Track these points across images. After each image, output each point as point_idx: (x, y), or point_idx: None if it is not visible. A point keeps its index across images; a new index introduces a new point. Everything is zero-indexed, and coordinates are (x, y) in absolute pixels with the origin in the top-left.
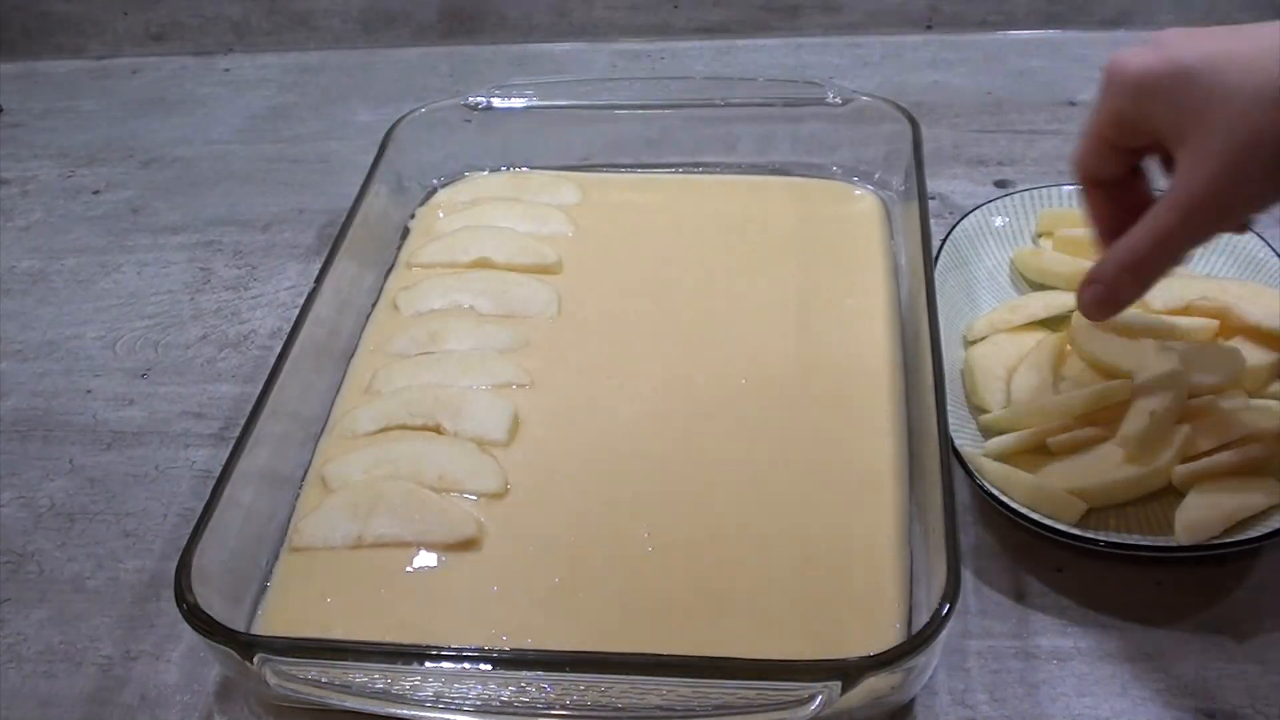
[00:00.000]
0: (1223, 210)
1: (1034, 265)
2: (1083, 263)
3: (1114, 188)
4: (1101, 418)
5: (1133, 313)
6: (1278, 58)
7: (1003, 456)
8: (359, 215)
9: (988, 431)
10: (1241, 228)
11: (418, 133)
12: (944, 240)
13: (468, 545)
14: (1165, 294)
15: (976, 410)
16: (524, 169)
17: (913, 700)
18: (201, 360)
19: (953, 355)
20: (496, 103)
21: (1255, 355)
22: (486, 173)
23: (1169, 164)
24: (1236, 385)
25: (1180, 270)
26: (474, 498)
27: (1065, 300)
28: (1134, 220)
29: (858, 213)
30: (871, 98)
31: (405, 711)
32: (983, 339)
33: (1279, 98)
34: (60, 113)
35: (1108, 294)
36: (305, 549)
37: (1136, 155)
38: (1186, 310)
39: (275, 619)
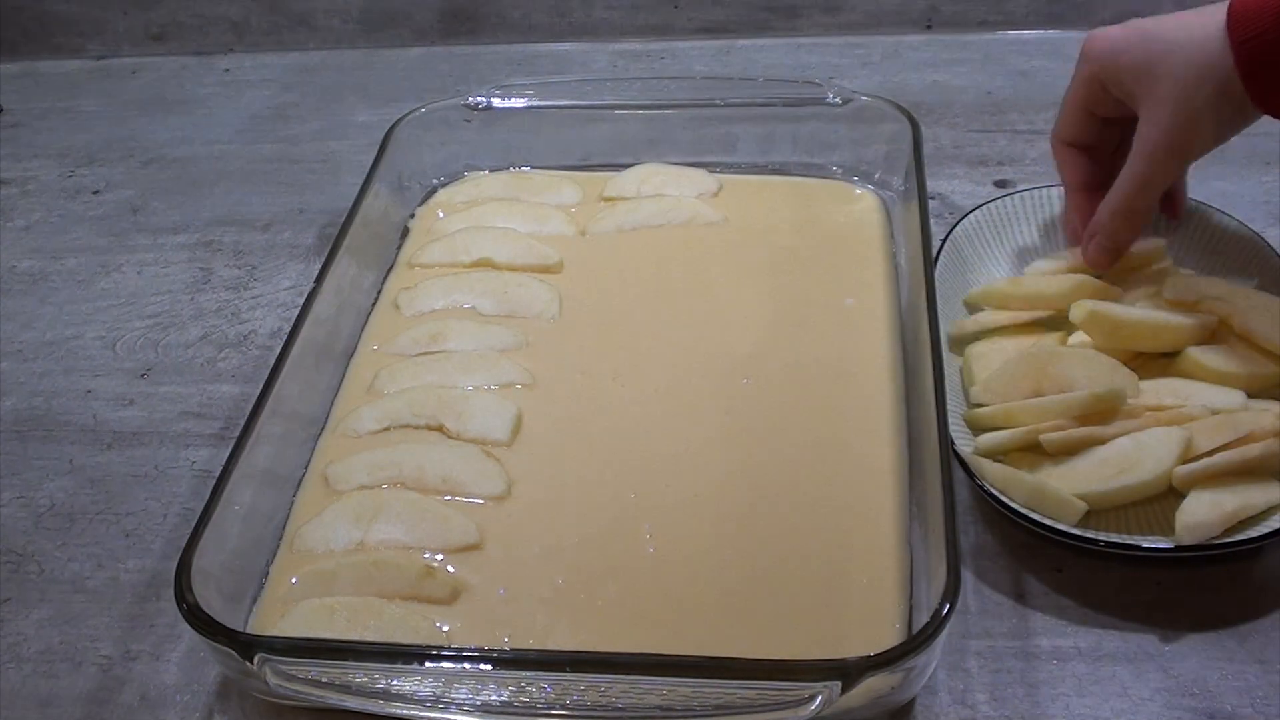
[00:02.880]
0: (1182, 148)
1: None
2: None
3: (1087, 150)
4: (1096, 419)
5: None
6: (1216, 15)
7: (994, 453)
8: (359, 215)
9: (974, 425)
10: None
11: (418, 133)
12: (944, 240)
13: (470, 547)
14: (1179, 288)
15: (974, 407)
16: (524, 169)
17: (913, 700)
18: (201, 360)
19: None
20: (496, 103)
21: (1246, 364)
22: (486, 173)
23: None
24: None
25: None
26: (479, 500)
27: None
28: (1103, 176)
29: (858, 213)
30: (871, 98)
31: (405, 711)
32: (981, 336)
33: (1214, 44)
34: (60, 113)
35: (1109, 240)
36: (305, 551)
37: (1107, 126)
38: (1196, 306)
39: (273, 620)
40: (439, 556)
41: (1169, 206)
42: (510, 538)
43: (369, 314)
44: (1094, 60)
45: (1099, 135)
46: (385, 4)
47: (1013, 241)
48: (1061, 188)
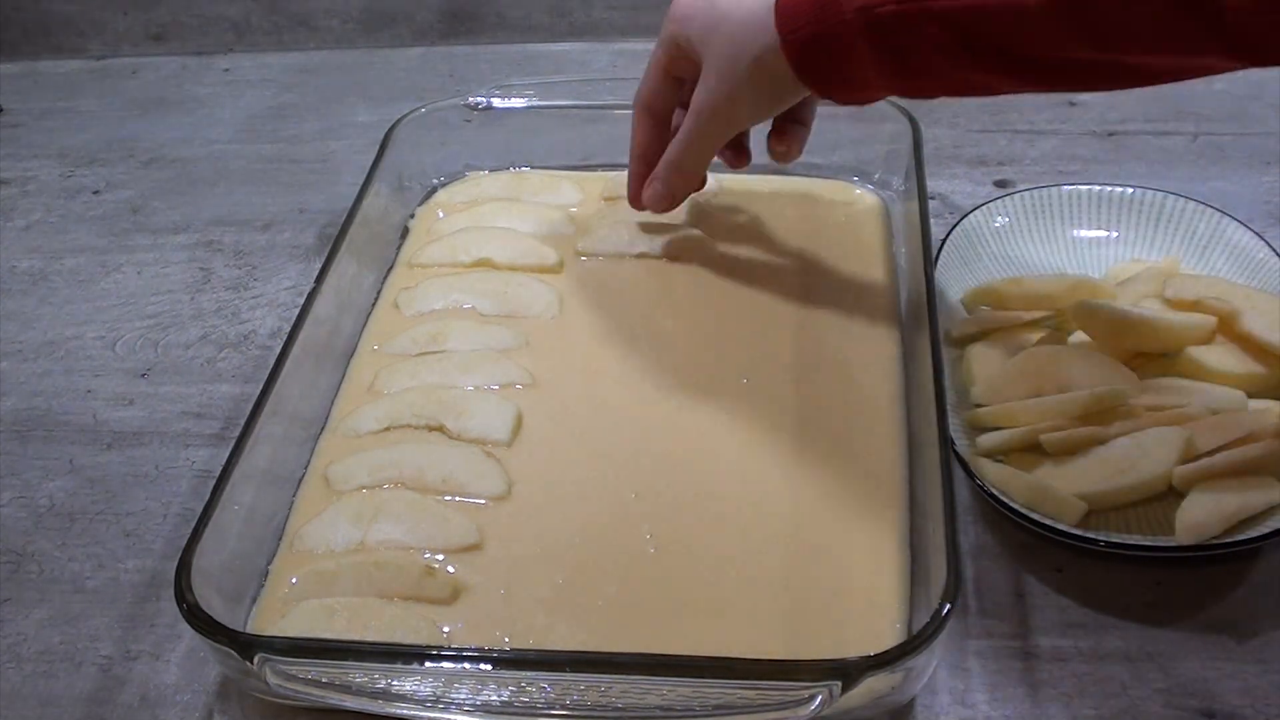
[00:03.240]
0: (727, 115)
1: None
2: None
3: (662, 118)
4: (1096, 419)
5: (1133, 308)
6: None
7: (995, 453)
8: (359, 215)
9: (975, 425)
10: (742, 154)
11: (418, 133)
12: (944, 240)
13: (470, 547)
14: (1179, 287)
15: (974, 407)
16: (524, 169)
17: (913, 700)
18: (201, 360)
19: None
20: (496, 103)
21: (1246, 364)
22: (486, 173)
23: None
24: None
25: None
26: (479, 500)
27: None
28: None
29: (858, 212)
30: None
31: (405, 711)
32: (981, 336)
33: (754, 21)
34: (60, 113)
35: (664, 190)
36: (305, 551)
37: (682, 88)
38: (1196, 305)
39: (273, 620)
40: (439, 557)
41: (735, 159)
42: (510, 538)
43: (369, 314)
44: (672, 21)
45: (676, 98)
46: (385, 4)
47: (1013, 241)
48: (1062, 188)
